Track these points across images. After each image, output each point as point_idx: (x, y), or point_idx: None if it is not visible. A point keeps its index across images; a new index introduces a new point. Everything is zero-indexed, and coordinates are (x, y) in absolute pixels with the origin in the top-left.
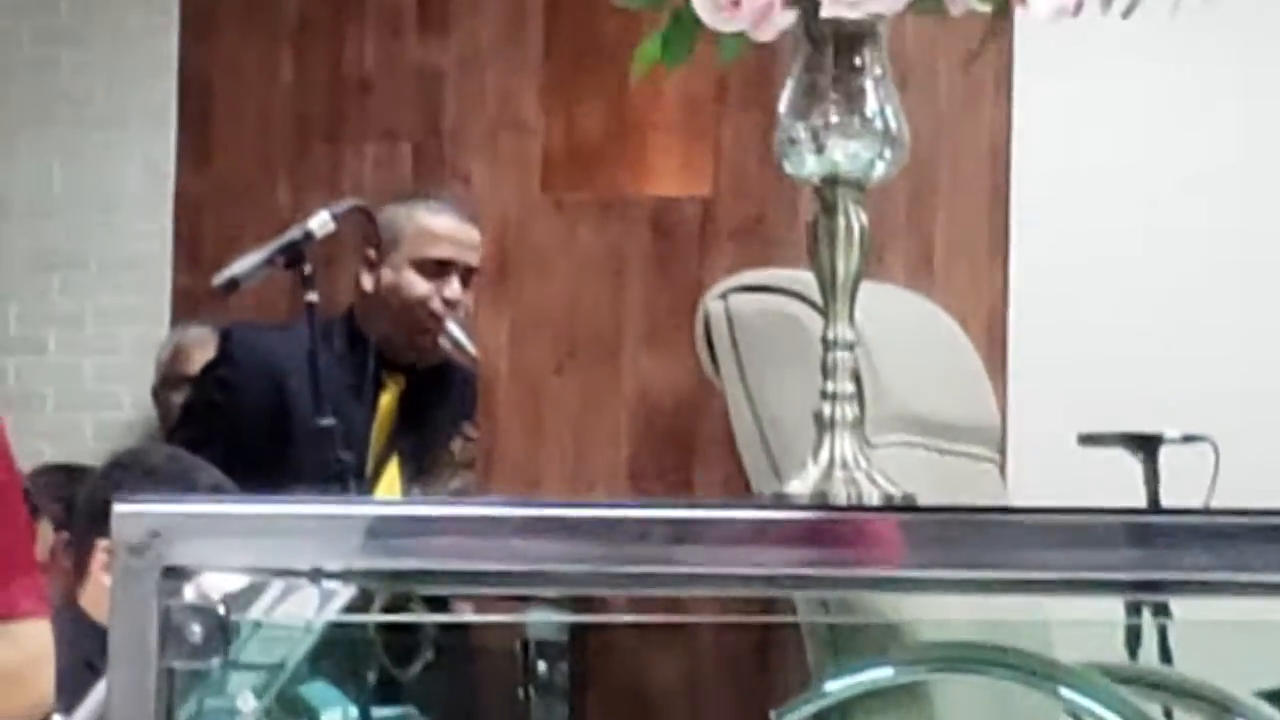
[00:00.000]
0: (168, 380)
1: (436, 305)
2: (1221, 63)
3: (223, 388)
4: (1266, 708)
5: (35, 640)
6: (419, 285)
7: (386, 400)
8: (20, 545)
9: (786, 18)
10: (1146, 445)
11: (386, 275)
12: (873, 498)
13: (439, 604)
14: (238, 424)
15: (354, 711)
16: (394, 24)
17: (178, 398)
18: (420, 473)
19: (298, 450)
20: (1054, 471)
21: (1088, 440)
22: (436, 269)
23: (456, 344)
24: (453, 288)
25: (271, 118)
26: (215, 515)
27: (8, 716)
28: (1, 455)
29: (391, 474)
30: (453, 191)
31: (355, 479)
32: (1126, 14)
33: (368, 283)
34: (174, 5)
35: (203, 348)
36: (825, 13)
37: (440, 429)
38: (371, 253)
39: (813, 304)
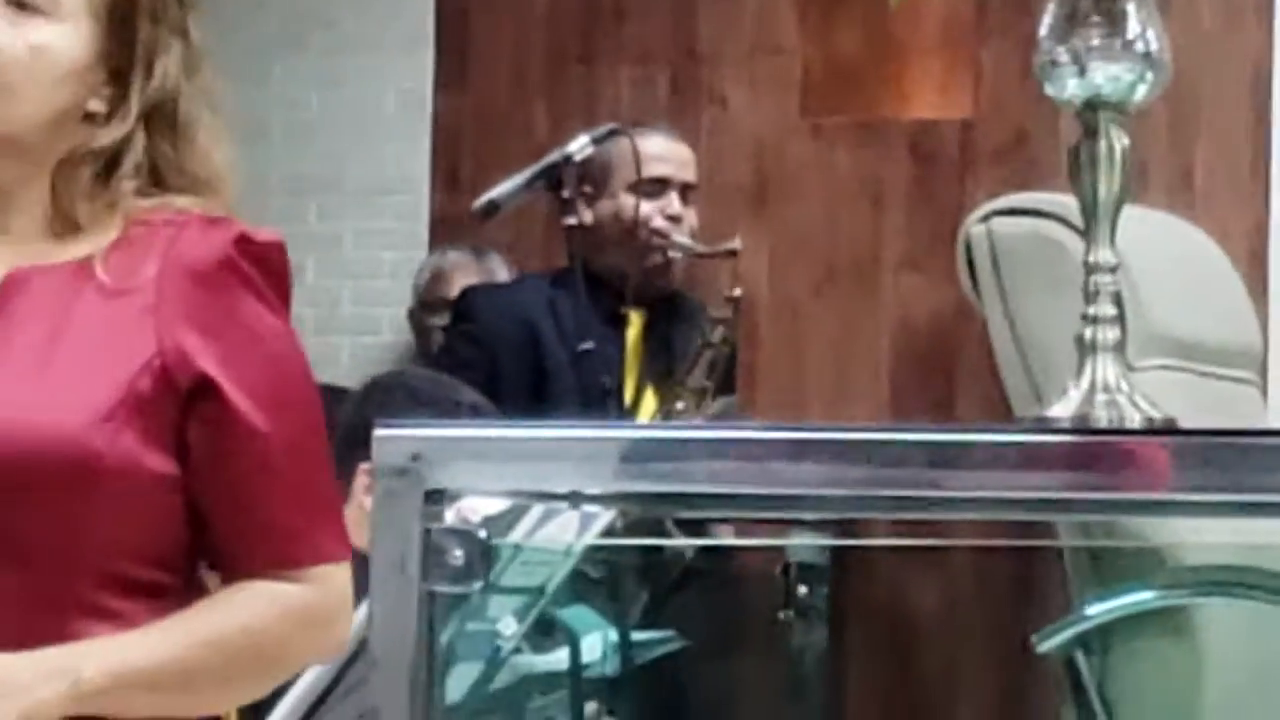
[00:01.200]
0: (426, 304)
1: (660, 223)
2: None
3: (472, 342)
4: None
5: (340, 583)
6: (640, 206)
7: (632, 334)
8: (326, 486)
9: None
10: None
11: (604, 206)
12: (1134, 421)
13: (698, 528)
14: (493, 374)
15: (614, 635)
16: None
17: (437, 320)
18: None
19: (553, 386)
20: None
21: None
22: (654, 188)
23: (689, 251)
24: (673, 204)
25: (527, 43)
26: (476, 439)
27: (314, 657)
28: (309, 392)
29: (648, 404)
30: (710, 115)
31: (615, 405)
32: None
33: (587, 217)
34: None
35: (463, 271)
36: None
37: (686, 356)
38: (586, 189)
39: (1074, 227)
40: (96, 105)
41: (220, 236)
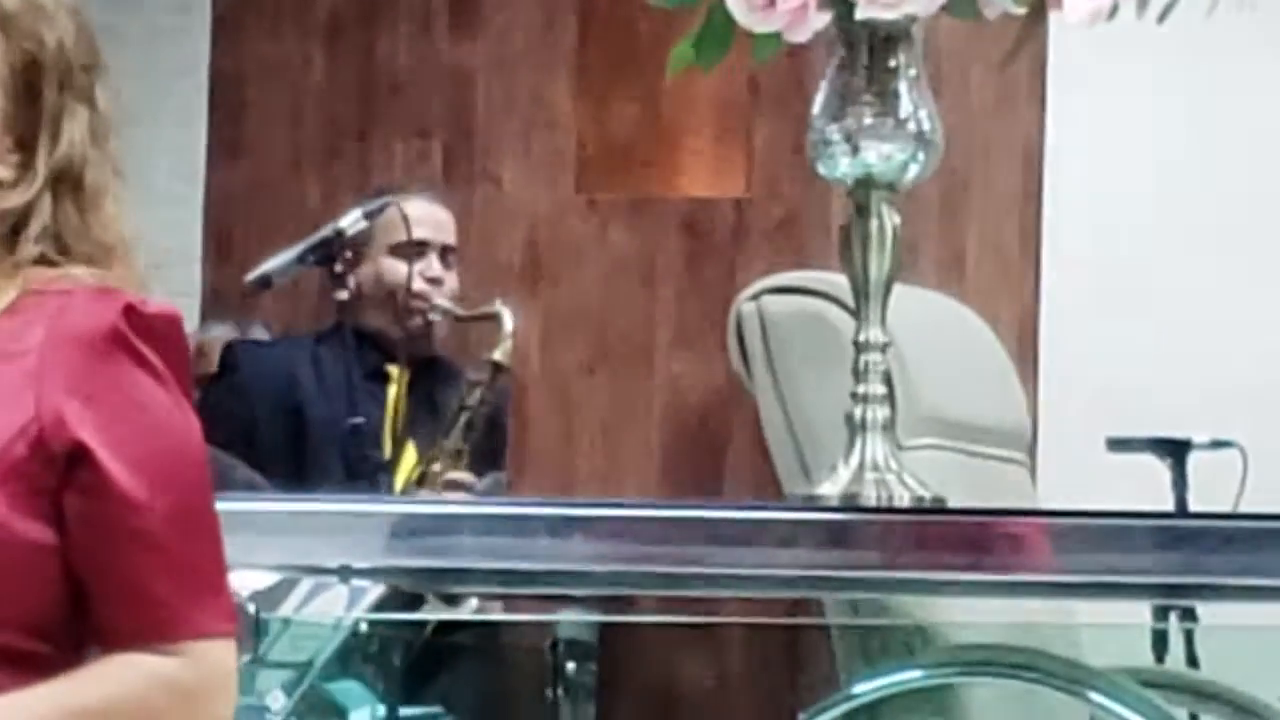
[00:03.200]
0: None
1: (420, 285)
2: (1257, 64)
3: (234, 394)
4: None
5: (219, 659)
6: (400, 269)
7: (394, 392)
8: (209, 560)
9: (821, 19)
10: (1175, 451)
11: (366, 269)
12: (903, 500)
13: (468, 603)
14: (253, 430)
15: (382, 710)
16: (425, 22)
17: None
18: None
19: (315, 451)
20: (1084, 474)
21: (1116, 445)
22: (414, 250)
23: (449, 314)
24: (433, 267)
25: (302, 116)
26: (245, 512)
27: None
28: (196, 466)
29: (407, 463)
30: (484, 190)
31: (381, 477)
32: (1162, 18)
33: (350, 281)
34: (205, 4)
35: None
36: (860, 14)
37: (446, 417)
38: (348, 254)
39: (845, 306)
40: (2, 171)
41: (108, 307)
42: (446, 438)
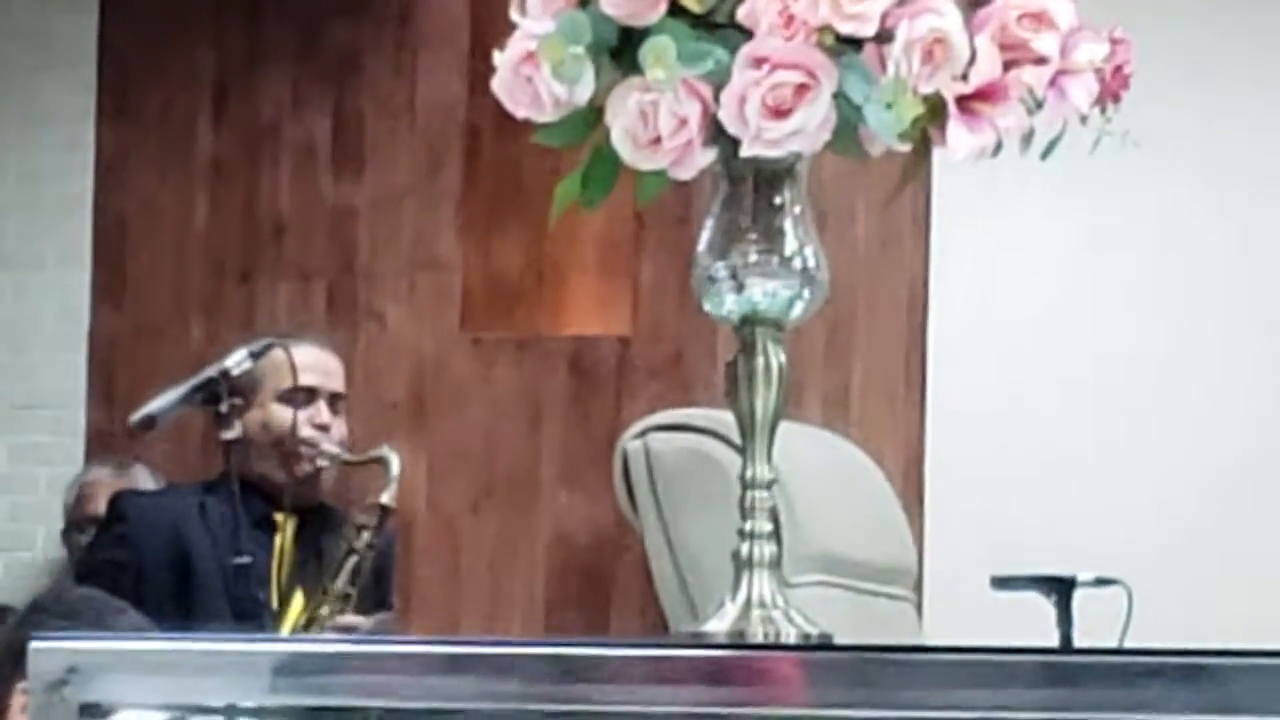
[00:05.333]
0: (74, 522)
1: (308, 432)
2: (1139, 204)
3: (121, 544)
4: None
5: None
6: (287, 415)
7: (281, 540)
8: None
9: (706, 156)
10: (1060, 588)
11: (254, 415)
12: (790, 637)
13: None
14: (140, 578)
15: None
16: (308, 163)
17: (84, 539)
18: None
19: (202, 597)
20: (970, 611)
21: (1001, 583)
22: (303, 398)
23: (337, 459)
24: (321, 413)
25: (186, 257)
26: (132, 652)
27: None
28: None
29: (295, 609)
30: (368, 330)
31: (267, 618)
32: (1045, 155)
33: (236, 430)
34: (89, 145)
35: (106, 488)
36: (745, 151)
37: (334, 561)
38: (236, 400)
39: (731, 443)
40: None
41: None
42: (334, 582)
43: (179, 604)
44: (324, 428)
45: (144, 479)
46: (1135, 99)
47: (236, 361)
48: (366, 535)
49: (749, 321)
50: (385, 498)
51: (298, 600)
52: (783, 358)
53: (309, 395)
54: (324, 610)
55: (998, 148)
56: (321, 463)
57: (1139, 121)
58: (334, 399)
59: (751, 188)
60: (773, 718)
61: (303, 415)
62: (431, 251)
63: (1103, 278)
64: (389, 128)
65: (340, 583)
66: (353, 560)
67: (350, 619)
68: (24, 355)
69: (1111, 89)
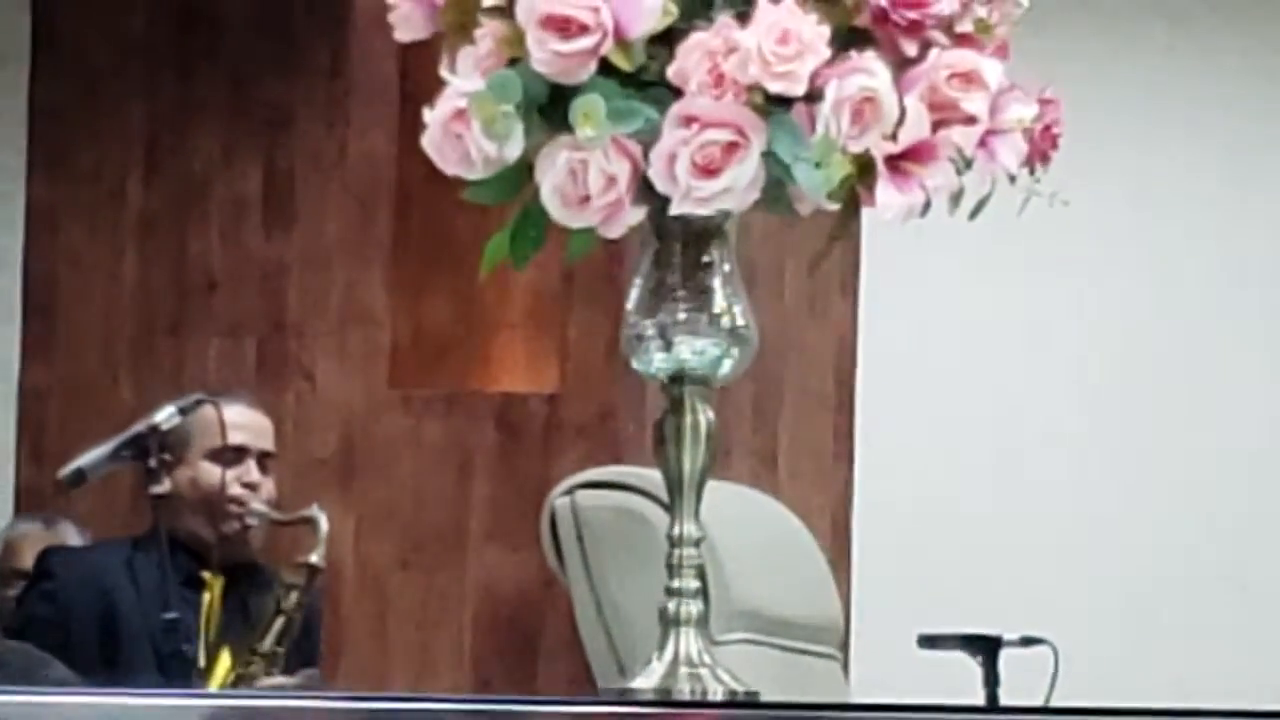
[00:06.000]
0: (0, 575)
1: (237, 490)
2: (1067, 267)
3: (48, 601)
4: None
5: None
6: (216, 473)
7: (209, 599)
8: None
9: (636, 214)
10: (986, 647)
11: (183, 473)
12: (717, 694)
13: None
14: (67, 635)
15: None
16: (238, 219)
17: (10, 592)
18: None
19: (129, 654)
20: (896, 670)
21: (928, 642)
22: (232, 456)
23: (266, 518)
24: (251, 472)
25: (116, 312)
26: (59, 705)
27: None
28: None
29: (222, 668)
30: (297, 387)
31: (195, 675)
32: (973, 215)
33: (165, 485)
34: (19, 201)
35: (33, 541)
36: (674, 209)
37: (262, 621)
38: (166, 457)
39: (659, 501)
40: None
41: None
42: (261, 641)
43: (106, 660)
44: (253, 486)
45: (71, 535)
46: (1064, 160)
47: (165, 417)
48: (295, 595)
49: (677, 380)
50: (314, 557)
51: (225, 658)
52: (711, 416)
53: (238, 454)
54: (252, 669)
55: (926, 207)
56: (250, 521)
57: (1068, 182)
58: (263, 458)
59: (680, 246)
60: None
61: (232, 474)
62: (361, 306)
63: (1033, 336)
64: (320, 183)
65: (268, 642)
66: (281, 620)
67: (278, 679)
68: None
69: (1040, 149)
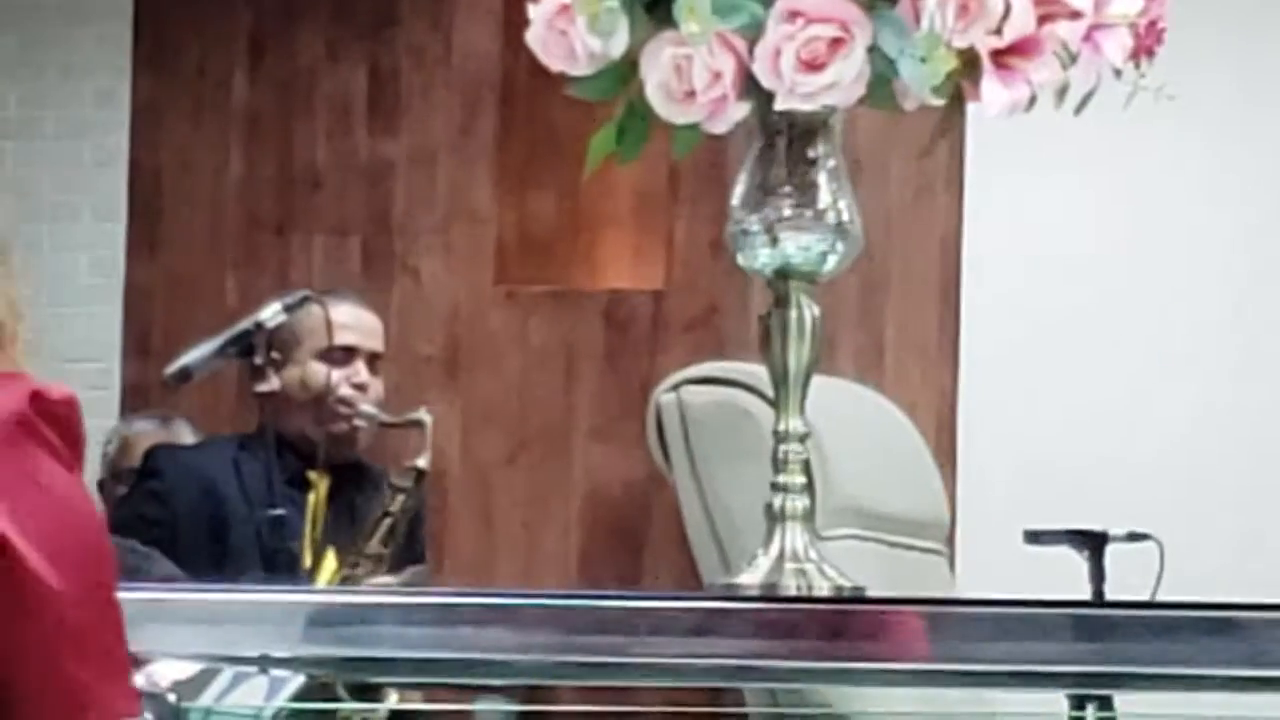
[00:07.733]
0: (114, 474)
1: (345, 390)
2: (1173, 156)
3: (155, 499)
4: None
5: None
6: (325, 374)
7: (315, 498)
8: (116, 643)
9: (740, 110)
10: (1092, 543)
11: (292, 372)
12: (822, 590)
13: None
14: (174, 532)
15: None
16: (344, 117)
17: (123, 490)
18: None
19: (235, 552)
20: (1002, 565)
21: (1034, 537)
22: (341, 356)
23: (374, 420)
24: (360, 373)
25: (221, 210)
26: (165, 602)
27: None
28: (102, 551)
29: (328, 567)
30: (402, 284)
31: (300, 572)
32: (1079, 110)
33: (274, 383)
34: (125, 99)
35: (148, 439)
36: (779, 105)
37: (368, 522)
38: (274, 355)
39: (764, 396)
40: None
41: (13, 394)
42: (368, 542)
43: (212, 558)
44: (362, 387)
45: (186, 433)
46: (1170, 55)
47: (271, 314)
48: (401, 498)
49: (782, 275)
50: (421, 461)
51: (330, 558)
52: (816, 311)
53: (347, 354)
54: (358, 570)
55: (1032, 102)
56: (358, 422)
57: (1174, 77)
58: (372, 358)
59: (786, 142)
60: (804, 670)
61: (340, 374)
62: (466, 204)
63: (1138, 231)
64: (424, 80)
65: (374, 544)
66: (387, 522)
67: (384, 578)
68: (59, 308)
69: (1146, 44)
